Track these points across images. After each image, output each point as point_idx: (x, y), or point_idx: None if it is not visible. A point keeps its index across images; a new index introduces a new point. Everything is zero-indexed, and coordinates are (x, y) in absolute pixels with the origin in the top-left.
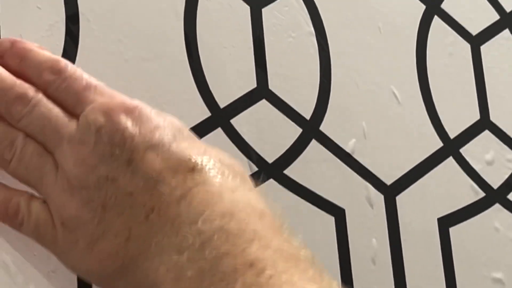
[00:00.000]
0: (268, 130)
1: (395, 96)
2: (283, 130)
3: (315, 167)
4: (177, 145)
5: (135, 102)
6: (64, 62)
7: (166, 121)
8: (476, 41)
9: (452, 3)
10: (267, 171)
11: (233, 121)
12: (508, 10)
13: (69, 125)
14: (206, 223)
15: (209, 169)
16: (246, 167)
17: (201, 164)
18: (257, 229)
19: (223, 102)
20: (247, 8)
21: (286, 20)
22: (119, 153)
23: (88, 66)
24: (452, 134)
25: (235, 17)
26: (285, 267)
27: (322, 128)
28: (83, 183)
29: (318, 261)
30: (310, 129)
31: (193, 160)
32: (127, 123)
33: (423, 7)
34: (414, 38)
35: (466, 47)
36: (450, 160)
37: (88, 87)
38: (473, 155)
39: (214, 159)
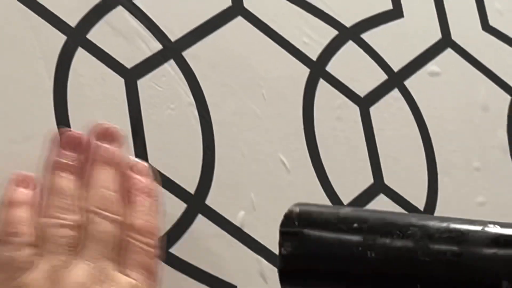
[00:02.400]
0: None
1: (284, 164)
2: (167, 206)
3: (203, 244)
4: None
5: None
6: None
7: None
8: (364, 103)
9: (337, 65)
10: None
11: None
12: (395, 70)
13: None
14: None
15: None
16: None
17: None
18: None
19: None
20: (121, 81)
21: (164, 92)
22: None
23: None
24: (345, 200)
25: (109, 91)
26: None
27: (208, 201)
28: None
29: None
30: (196, 204)
31: None
32: None
33: (308, 70)
34: (300, 103)
35: (355, 109)
36: None
37: None
38: None
39: None
